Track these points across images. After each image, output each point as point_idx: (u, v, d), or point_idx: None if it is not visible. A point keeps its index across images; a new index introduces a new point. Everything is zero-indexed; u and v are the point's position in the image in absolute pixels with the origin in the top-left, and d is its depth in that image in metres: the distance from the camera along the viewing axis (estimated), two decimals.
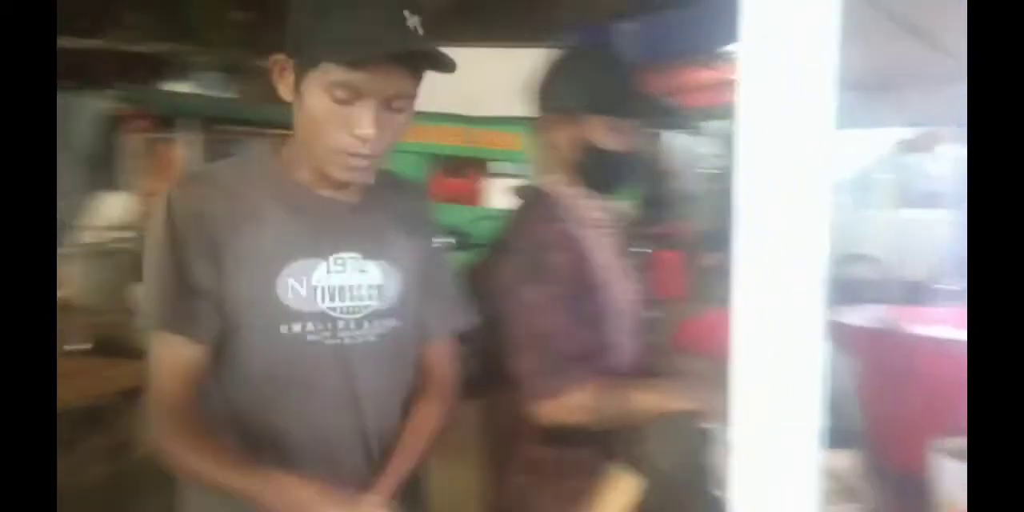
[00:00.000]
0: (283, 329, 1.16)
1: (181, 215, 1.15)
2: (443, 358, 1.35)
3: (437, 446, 1.29)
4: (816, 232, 0.54)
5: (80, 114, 6.78)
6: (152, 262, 1.15)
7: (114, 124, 6.99)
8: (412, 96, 1.14)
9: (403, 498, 1.21)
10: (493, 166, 5.50)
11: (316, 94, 1.10)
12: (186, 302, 1.14)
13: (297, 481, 1.06)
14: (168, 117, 6.85)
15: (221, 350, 1.18)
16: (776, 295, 0.54)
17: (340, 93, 1.09)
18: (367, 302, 1.22)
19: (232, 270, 1.15)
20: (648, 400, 1.38)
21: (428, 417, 1.29)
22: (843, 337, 1.42)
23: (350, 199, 1.24)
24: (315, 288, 1.18)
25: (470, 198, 5.54)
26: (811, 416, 0.55)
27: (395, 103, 1.12)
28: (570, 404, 1.38)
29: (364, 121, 1.09)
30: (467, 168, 5.62)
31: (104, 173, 6.79)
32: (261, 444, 1.19)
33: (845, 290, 0.97)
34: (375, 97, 1.10)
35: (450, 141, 5.59)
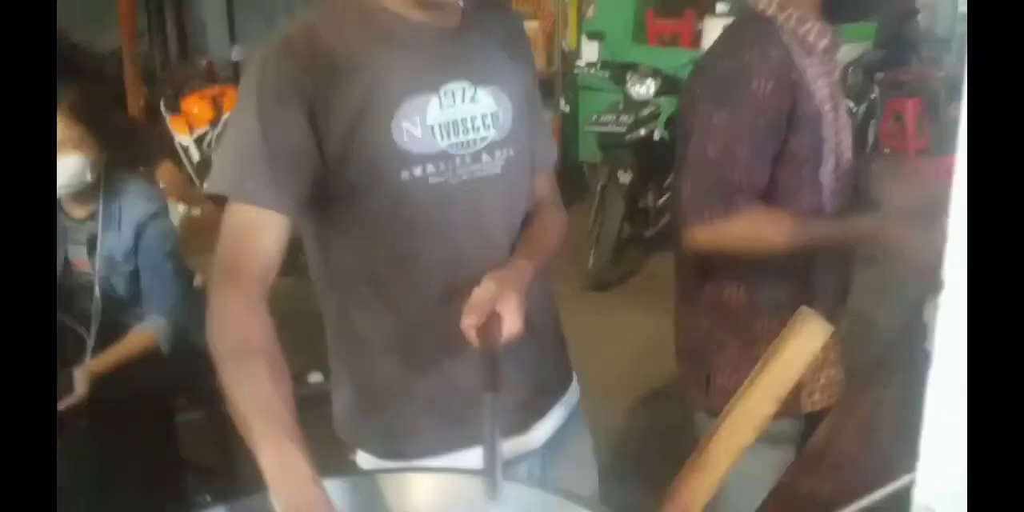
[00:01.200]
0: (404, 175, 1.09)
1: (273, 71, 1.05)
2: (552, 187, 1.34)
3: (555, 252, 1.27)
4: None
5: None
6: (239, 127, 1.07)
7: None
8: None
9: (543, 333, 1.20)
10: (711, 4, 5.09)
11: None
12: (274, 171, 1.04)
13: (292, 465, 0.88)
14: None
15: (342, 211, 1.13)
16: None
17: None
18: (483, 133, 1.15)
19: (340, 127, 1.06)
20: (831, 234, 1.36)
21: (549, 222, 1.28)
22: None
23: (447, 22, 1.14)
24: (431, 127, 1.10)
25: (684, 40, 5.21)
26: None
27: None
28: (725, 231, 1.34)
29: None
30: (682, 7, 5.25)
31: None
32: (396, 296, 1.17)
33: None
34: None
35: None
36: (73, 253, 2.16)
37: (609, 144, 4.34)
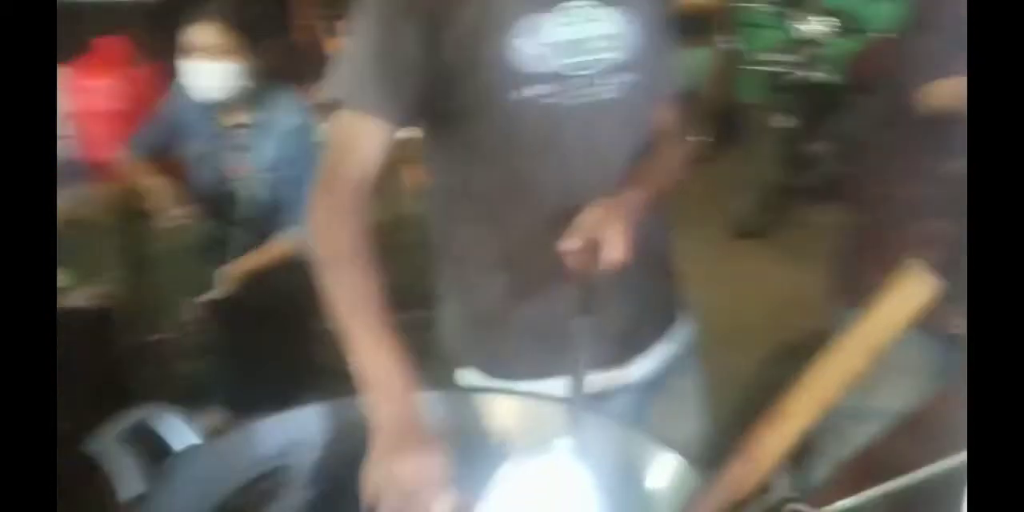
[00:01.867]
0: (516, 94, 1.07)
1: None
2: (674, 118, 1.27)
3: (671, 186, 1.22)
4: None
5: None
6: (357, 35, 1.08)
7: None
8: None
9: (650, 266, 1.17)
10: None
11: None
12: (388, 85, 1.05)
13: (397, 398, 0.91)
14: None
15: (453, 128, 1.13)
16: None
17: None
18: (606, 54, 1.11)
19: (454, 42, 1.05)
20: None
21: (668, 153, 1.23)
22: None
23: None
24: (546, 45, 1.07)
25: None
26: None
27: None
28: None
29: None
30: None
31: None
32: (503, 217, 1.16)
33: None
34: None
35: None
36: (227, 160, 2.30)
37: (771, 84, 4.12)
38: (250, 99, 2.20)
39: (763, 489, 0.74)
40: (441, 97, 1.09)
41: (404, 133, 3.54)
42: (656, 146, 1.23)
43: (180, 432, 0.90)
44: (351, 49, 1.09)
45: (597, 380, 1.17)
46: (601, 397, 1.19)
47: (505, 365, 1.25)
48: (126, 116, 2.45)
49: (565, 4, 1.08)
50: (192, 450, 0.89)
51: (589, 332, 0.96)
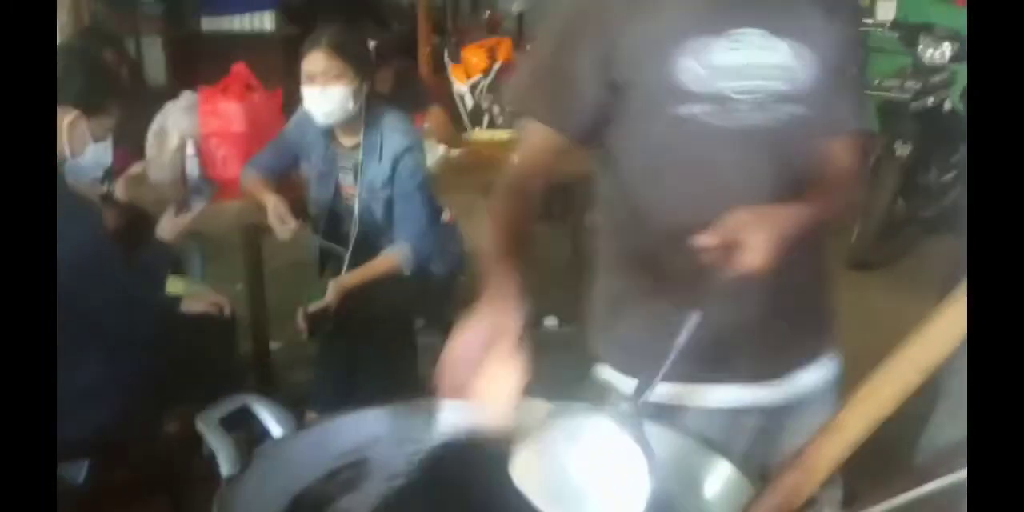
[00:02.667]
0: (678, 111, 1.13)
1: (570, 7, 1.17)
2: (851, 154, 1.23)
3: (833, 217, 1.18)
4: None
5: None
6: (537, 51, 1.19)
7: None
8: None
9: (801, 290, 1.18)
10: None
11: None
12: (563, 95, 1.15)
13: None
14: None
15: (615, 134, 1.19)
16: None
17: None
18: (771, 83, 1.13)
19: (628, 55, 1.13)
20: None
21: (837, 185, 1.20)
22: None
23: None
24: (713, 68, 1.11)
25: None
26: None
27: None
28: None
29: None
30: None
31: None
32: (650, 227, 1.20)
33: None
34: None
35: None
36: (341, 179, 2.43)
37: (890, 111, 4.00)
38: (363, 122, 2.33)
39: (811, 501, 0.75)
40: (611, 107, 1.17)
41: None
42: (826, 180, 1.20)
43: (279, 421, 0.97)
44: (530, 63, 1.22)
45: (725, 394, 1.21)
46: (738, 413, 1.23)
47: (630, 363, 1.25)
48: (250, 138, 2.63)
49: (737, 31, 1.12)
50: (286, 438, 0.96)
51: (691, 331, 0.95)
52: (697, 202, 1.15)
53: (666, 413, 1.17)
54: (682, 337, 0.95)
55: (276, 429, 0.96)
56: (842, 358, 1.34)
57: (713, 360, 1.12)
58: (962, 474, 0.50)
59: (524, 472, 0.86)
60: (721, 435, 1.12)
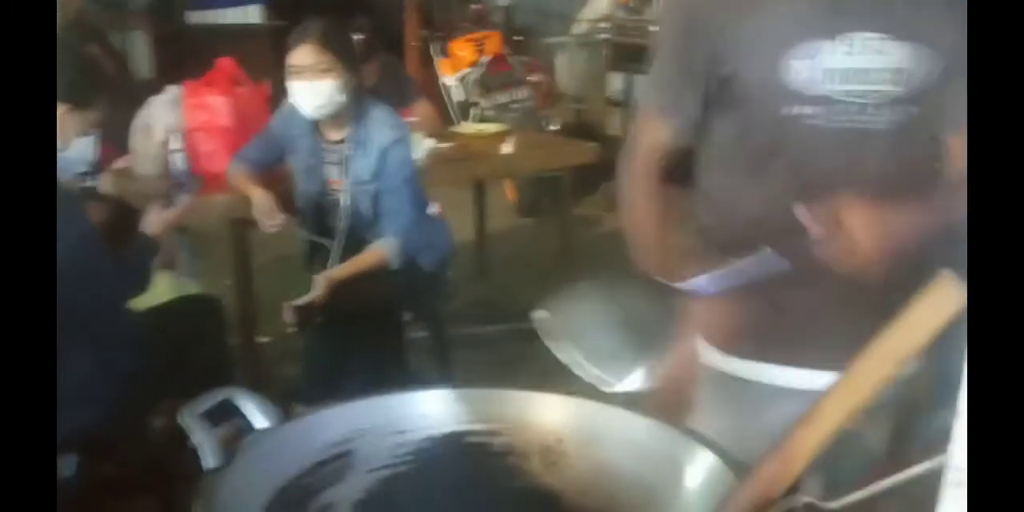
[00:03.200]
0: (784, 110, 1.14)
1: (686, 5, 1.23)
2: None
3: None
4: None
5: None
6: (658, 49, 1.26)
7: None
8: None
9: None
10: None
11: None
12: (675, 88, 1.22)
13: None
14: None
15: (721, 130, 1.24)
16: None
17: None
18: (883, 86, 1.12)
19: (739, 53, 1.16)
20: None
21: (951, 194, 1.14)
22: None
23: None
24: (823, 70, 1.12)
25: None
26: None
27: None
28: None
29: None
30: None
31: None
32: (736, 226, 1.23)
33: None
34: None
35: None
36: (328, 173, 2.43)
37: None
38: (350, 115, 2.33)
39: (792, 489, 0.75)
40: (721, 104, 1.21)
41: (509, 148, 3.56)
42: (950, 183, 1.16)
43: (263, 413, 0.97)
44: (655, 61, 1.28)
45: (799, 374, 1.22)
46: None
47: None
48: (236, 132, 2.62)
49: (851, 34, 1.11)
50: (267, 431, 0.96)
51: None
52: (796, 202, 1.14)
53: (741, 387, 1.27)
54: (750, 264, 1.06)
55: (260, 421, 0.96)
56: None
57: (789, 342, 1.21)
58: (939, 461, 0.51)
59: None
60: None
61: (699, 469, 0.88)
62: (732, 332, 1.27)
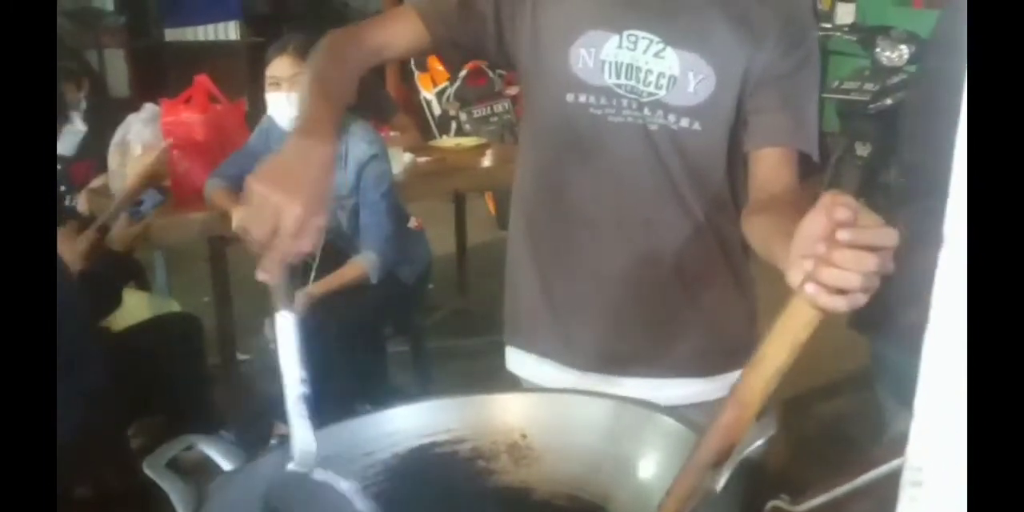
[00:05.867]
0: (569, 97, 1.17)
1: None
2: (784, 171, 1.15)
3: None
4: None
5: None
6: None
7: None
8: None
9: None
10: None
11: None
12: (451, 7, 1.19)
13: None
14: None
15: (527, 122, 1.27)
16: None
17: None
18: (652, 89, 1.14)
19: (535, 35, 1.17)
20: None
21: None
22: None
23: None
24: (602, 62, 1.14)
25: None
26: None
27: None
28: None
29: None
30: None
31: None
32: (554, 210, 1.24)
33: None
34: None
35: None
36: None
37: (849, 113, 4.07)
38: None
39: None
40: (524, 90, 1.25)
41: (488, 161, 3.60)
42: (768, 201, 1.14)
43: (226, 456, 0.95)
44: None
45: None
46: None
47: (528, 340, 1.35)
48: (213, 149, 2.62)
49: (633, 32, 1.14)
50: (235, 472, 0.93)
51: None
52: (591, 190, 1.21)
53: None
54: None
55: (226, 464, 0.95)
56: None
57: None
58: (900, 462, 0.52)
59: None
60: None
61: (662, 435, 0.89)
62: None
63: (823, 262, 0.70)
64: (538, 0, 1.17)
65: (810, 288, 0.71)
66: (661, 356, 1.29)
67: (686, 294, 1.25)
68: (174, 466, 0.90)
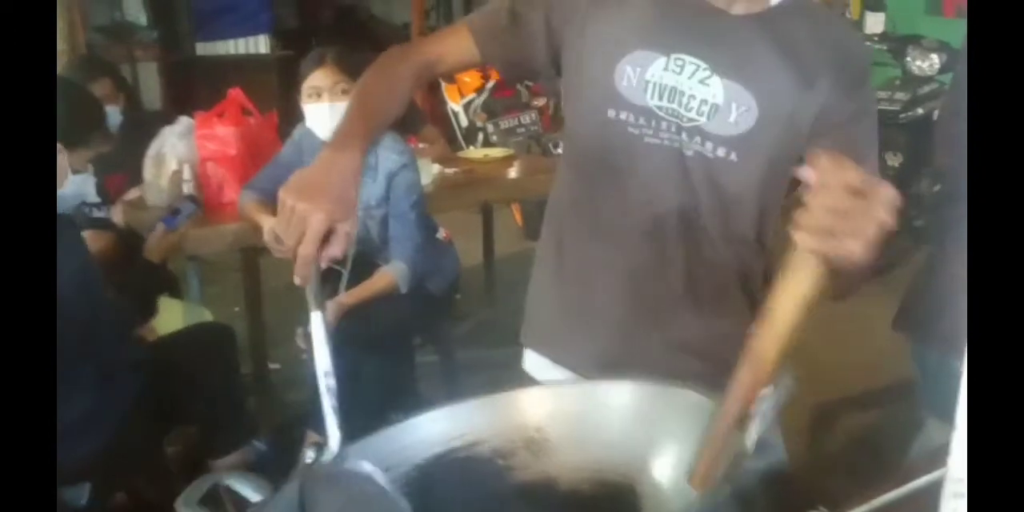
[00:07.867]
0: (611, 113, 1.16)
1: None
2: None
3: None
4: None
5: None
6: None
7: None
8: None
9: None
10: None
11: None
12: (503, 26, 1.20)
13: None
14: None
15: (567, 137, 1.27)
16: None
17: None
18: (694, 115, 1.13)
19: (582, 48, 1.17)
20: None
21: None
22: None
23: (738, 9, 1.12)
24: (646, 82, 1.13)
25: None
26: None
27: None
28: None
29: None
30: None
31: None
32: (582, 221, 1.24)
33: None
34: None
35: None
36: None
37: (880, 123, 4.02)
38: None
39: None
40: (567, 97, 1.22)
41: (515, 172, 3.62)
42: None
43: (254, 489, 0.94)
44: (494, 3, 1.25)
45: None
46: None
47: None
48: (246, 161, 2.66)
49: (681, 56, 1.12)
50: (263, 502, 0.92)
51: None
52: (617, 206, 1.20)
53: None
54: None
55: (254, 496, 0.96)
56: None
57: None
58: (938, 474, 0.52)
59: None
60: None
61: (683, 409, 0.89)
62: None
63: (805, 208, 0.72)
64: (589, 15, 1.16)
65: (798, 234, 0.72)
66: (672, 377, 1.29)
67: (699, 320, 1.24)
68: (212, 496, 0.92)
